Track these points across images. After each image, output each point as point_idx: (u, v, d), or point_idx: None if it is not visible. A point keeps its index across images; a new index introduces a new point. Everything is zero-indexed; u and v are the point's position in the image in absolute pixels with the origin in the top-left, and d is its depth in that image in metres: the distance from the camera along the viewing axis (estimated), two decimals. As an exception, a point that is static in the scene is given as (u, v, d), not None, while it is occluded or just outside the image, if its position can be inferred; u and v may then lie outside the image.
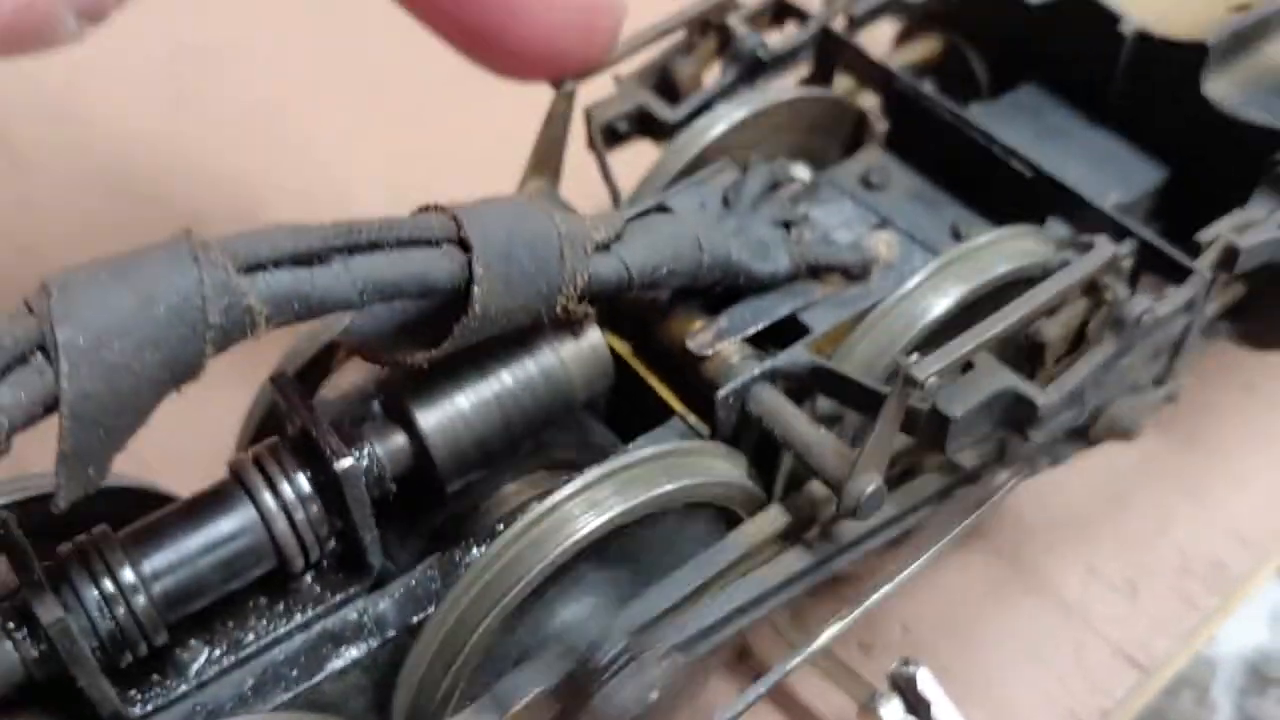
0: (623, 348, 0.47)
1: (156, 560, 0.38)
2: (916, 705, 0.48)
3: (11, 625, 0.36)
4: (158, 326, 0.31)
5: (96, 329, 0.31)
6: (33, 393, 0.30)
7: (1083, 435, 0.50)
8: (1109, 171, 0.54)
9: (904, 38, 0.64)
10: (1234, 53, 0.53)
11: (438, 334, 0.38)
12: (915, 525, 0.48)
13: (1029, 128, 0.56)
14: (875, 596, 0.46)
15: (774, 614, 0.49)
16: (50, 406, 0.31)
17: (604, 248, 0.40)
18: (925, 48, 0.61)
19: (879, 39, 0.65)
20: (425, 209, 0.38)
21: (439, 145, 0.72)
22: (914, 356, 0.39)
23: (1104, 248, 0.43)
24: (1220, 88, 0.52)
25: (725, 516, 0.45)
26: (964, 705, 0.49)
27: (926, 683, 0.48)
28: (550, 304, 0.39)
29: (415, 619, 0.40)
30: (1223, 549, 0.57)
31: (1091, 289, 0.44)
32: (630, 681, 0.39)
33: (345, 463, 0.38)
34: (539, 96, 0.49)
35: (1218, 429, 0.60)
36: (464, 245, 0.36)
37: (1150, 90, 0.54)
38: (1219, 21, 0.53)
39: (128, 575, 0.37)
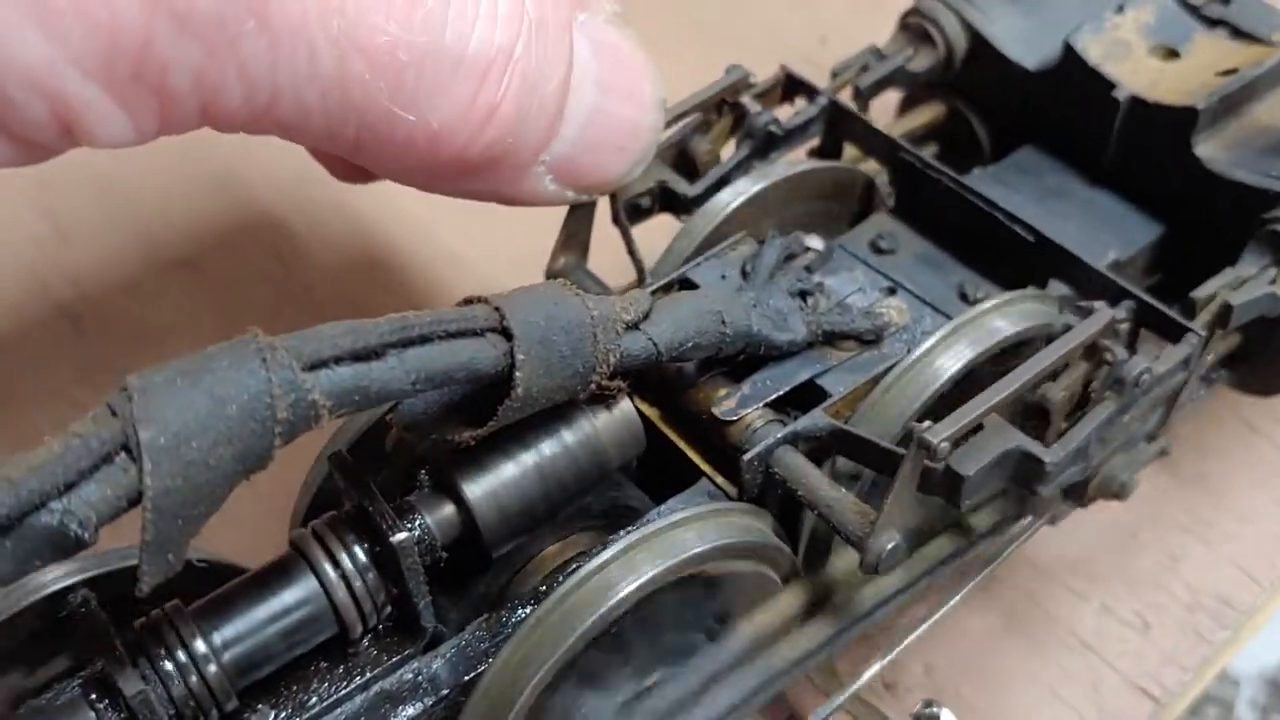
0: (652, 413, 0.50)
1: (226, 631, 0.40)
2: (940, 745, 0.50)
3: (94, 696, 0.39)
4: (231, 424, 0.34)
5: (175, 429, 0.34)
6: (118, 489, 0.33)
7: (1078, 496, 0.53)
8: (1107, 230, 0.57)
9: (908, 105, 0.67)
10: (1223, 115, 0.55)
11: (482, 414, 0.41)
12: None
13: (1029, 189, 0.59)
14: (902, 644, 0.48)
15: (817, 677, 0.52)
16: (134, 501, 0.34)
17: (633, 327, 0.43)
18: (929, 114, 0.64)
19: (885, 105, 0.68)
20: (468, 300, 0.41)
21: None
22: (926, 423, 0.42)
23: (1103, 313, 0.46)
24: (1211, 149, 0.55)
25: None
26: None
27: (949, 724, 0.51)
28: (586, 382, 0.42)
29: (467, 677, 0.43)
30: (1229, 584, 0.59)
31: (1092, 351, 0.46)
32: None
33: (400, 536, 0.41)
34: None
35: (1222, 469, 0.63)
36: (506, 334, 0.39)
37: (1144, 152, 0.57)
38: (1208, 86, 0.55)
39: (200, 646, 0.40)
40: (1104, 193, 0.59)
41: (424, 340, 0.38)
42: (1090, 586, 0.59)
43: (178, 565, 0.35)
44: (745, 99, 0.56)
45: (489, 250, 0.74)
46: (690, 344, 0.45)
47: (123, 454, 0.34)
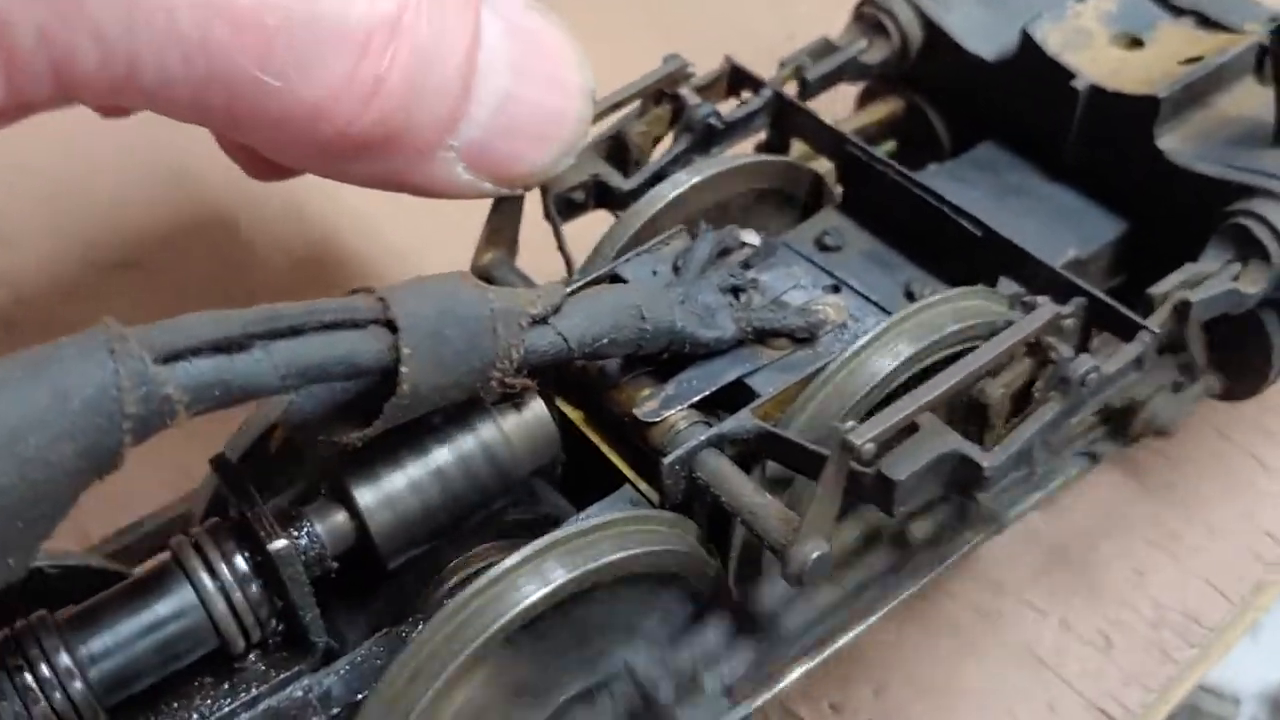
0: (575, 415, 0.47)
1: (94, 644, 0.38)
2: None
3: (-60, 710, 0.36)
4: (74, 419, 0.32)
5: (12, 424, 0.31)
6: (-53, 487, 0.31)
7: (1121, 434, 0.50)
8: (1067, 227, 0.54)
9: (865, 99, 0.64)
10: (1186, 105, 0.53)
11: (372, 414, 0.38)
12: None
13: (987, 185, 0.56)
14: (829, 650, 0.45)
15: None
16: (-35, 502, 0.31)
17: (540, 321, 0.40)
18: (885, 109, 0.62)
19: (845, 101, 0.66)
20: (354, 291, 0.38)
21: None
22: (850, 423, 0.39)
23: (1045, 308, 0.43)
24: (1174, 140, 0.52)
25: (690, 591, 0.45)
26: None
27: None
28: (485, 379, 0.39)
29: (360, 696, 0.40)
30: (1197, 600, 0.56)
31: (1035, 349, 0.44)
32: None
33: (279, 544, 0.38)
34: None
35: (1193, 479, 0.60)
36: (391, 326, 0.37)
37: (1105, 144, 0.54)
38: (1170, 75, 0.53)
39: (64, 660, 0.37)
40: (1065, 188, 0.56)
41: (295, 332, 0.35)
42: (1050, 602, 0.56)
43: (20, 570, 0.33)
44: (684, 90, 0.53)
45: (443, 249, 0.72)
46: (605, 340, 0.42)
47: (-48, 450, 0.31)
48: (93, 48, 0.34)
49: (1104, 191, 0.55)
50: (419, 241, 0.72)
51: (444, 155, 0.42)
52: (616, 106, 0.53)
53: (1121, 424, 0.52)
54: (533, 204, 0.53)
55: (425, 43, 0.38)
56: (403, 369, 0.37)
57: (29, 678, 0.37)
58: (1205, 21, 0.56)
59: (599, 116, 0.52)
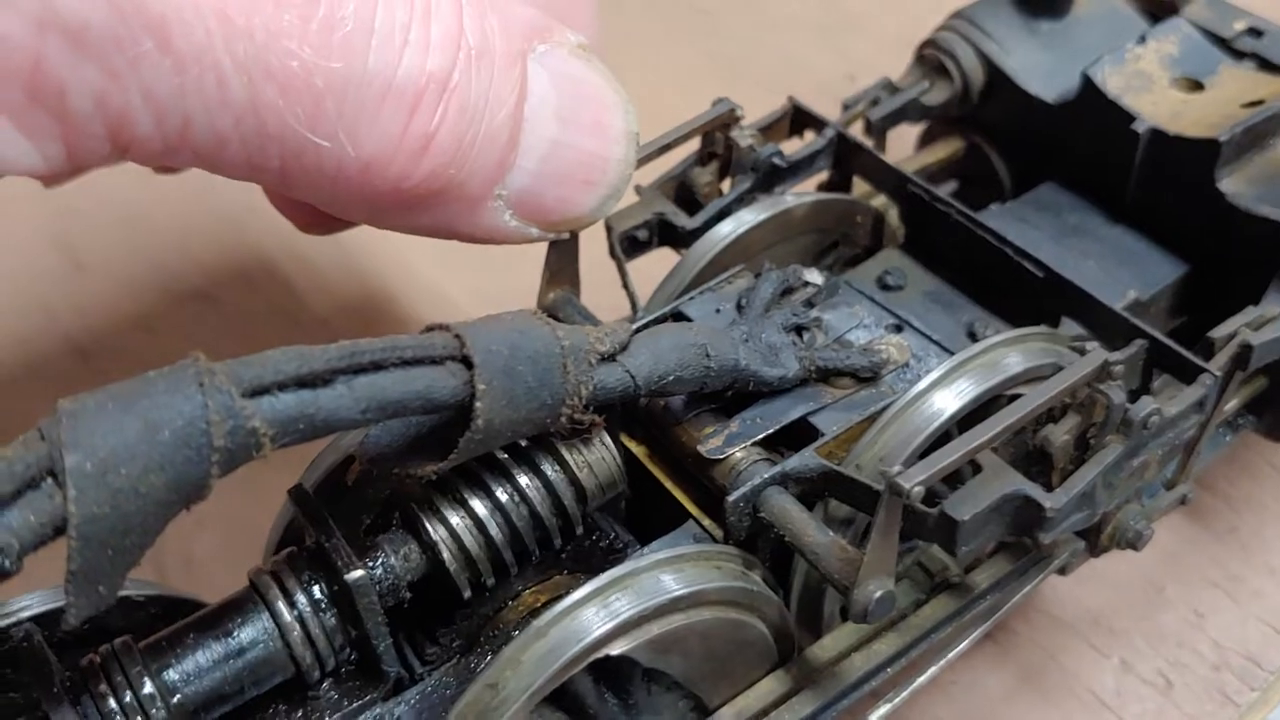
0: (640, 451, 0.48)
1: (175, 671, 0.39)
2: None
3: (31, 737, 0.37)
4: (164, 451, 0.33)
5: (103, 454, 0.32)
6: (42, 515, 0.32)
7: (1091, 545, 0.50)
8: (1127, 268, 0.55)
9: (926, 140, 0.64)
10: (1248, 149, 0.53)
11: (447, 447, 0.39)
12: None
13: (1048, 226, 0.56)
14: (898, 700, 0.46)
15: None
16: (60, 529, 0.32)
17: (609, 359, 0.41)
18: (946, 149, 0.62)
19: (906, 143, 0.66)
20: (430, 328, 0.39)
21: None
22: (897, 467, 0.39)
23: (1096, 354, 0.43)
24: (1235, 183, 0.53)
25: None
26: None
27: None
28: (555, 415, 0.40)
29: (431, 725, 0.41)
30: (1259, 643, 0.56)
31: (1084, 395, 0.44)
32: None
33: (355, 574, 0.39)
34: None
35: (1255, 522, 0.60)
36: (467, 362, 0.38)
37: (1166, 187, 0.54)
38: (1232, 118, 0.53)
39: (146, 687, 0.38)
40: (1126, 230, 0.56)
41: (376, 367, 0.36)
42: (1111, 642, 0.56)
43: (110, 598, 0.34)
44: (735, 133, 0.54)
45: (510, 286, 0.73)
46: (671, 377, 0.43)
47: (49, 479, 0.32)
48: (146, 111, 0.35)
49: (1165, 234, 0.55)
50: (490, 274, 0.72)
51: (493, 205, 0.42)
52: (667, 148, 0.53)
53: (1089, 535, 0.51)
54: (598, 243, 0.54)
55: (474, 98, 0.39)
56: (477, 404, 0.37)
57: (113, 703, 0.38)
58: (1266, 65, 0.56)
59: (651, 158, 0.52)
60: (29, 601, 0.42)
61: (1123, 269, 0.55)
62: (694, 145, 0.55)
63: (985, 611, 0.48)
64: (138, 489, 0.33)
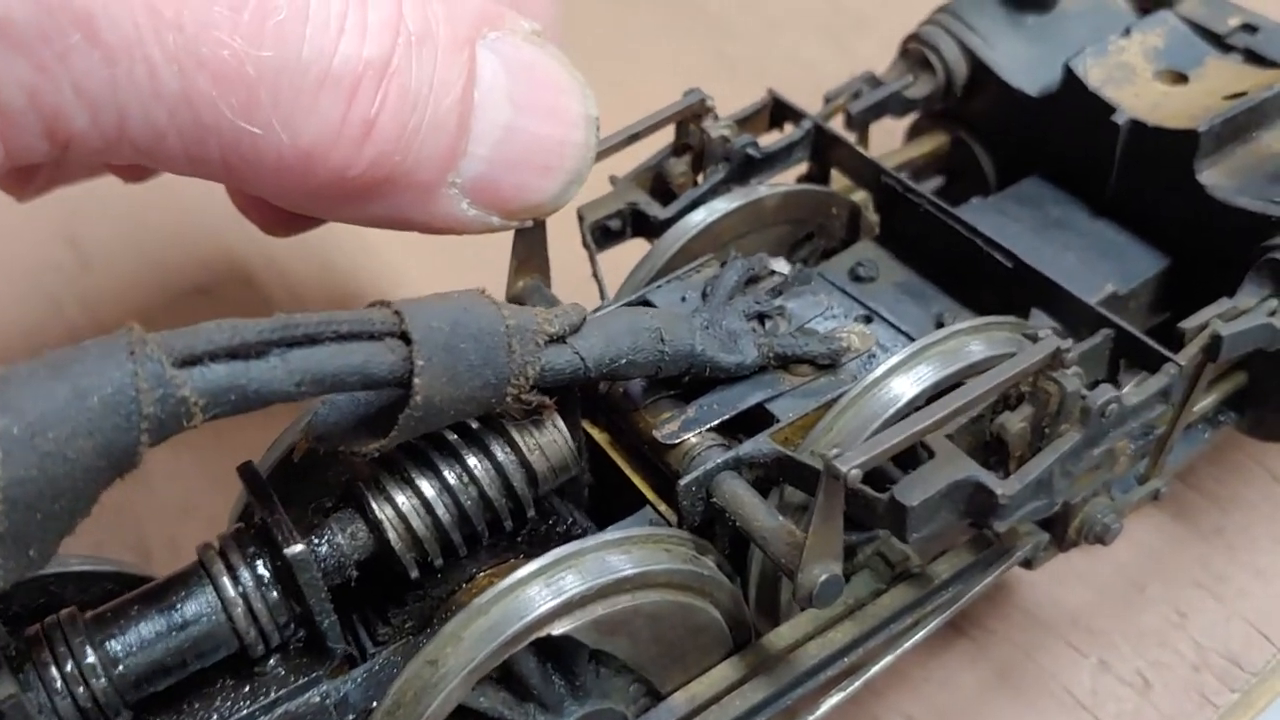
0: (602, 438, 0.48)
1: (118, 642, 0.39)
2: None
3: (-24, 704, 0.38)
4: (92, 417, 0.33)
5: (31, 419, 0.32)
6: (-30, 479, 0.32)
7: (1057, 538, 0.50)
8: (1107, 262, 0.54)
9: (913, 135, 0.64)
10: (1228, 140, 0.52)
11: (390, 425, 0.39)
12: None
13: (1029, 220, 0.56)
14: (849, 689, 0.45)
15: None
16: (-12, 493, 0.32)
17: (558, 340, 0.41)
18: (932, 143, 0.62)
19: (894, 138, 0.66)
20: (372, 304, 0.39)
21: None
22: (834, 450, 0.39)
23: (1048, 342, 0.42)
24: (1215, 175, 0.52)
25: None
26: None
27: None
28: (501, 394, 0.40)
29: (376, 704, 0.41)
30: (1240, 644, 0.55)
31: (1036, 382, 0.43)
32: None
33: (295, 549, 0.39)
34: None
35: (1242, 522, 0.59)
36: (405, 338, 0.38)
37: (1146, 179, 0.54)
38: (1213, 110, 0.52)
39: (89, 657, 0.38)
40: (1107, 224, 0.56)
41: (311, 341, 0.36)
42: (1090, 641, 0.55)
43: (41, 562, 0.34)
44: (707, 123, 0.54)
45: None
46: (624, 360, 0.43)
47: (-24, 445, 0.32)
48: (80, 105, 0.35)
49: (1146, 227, 0.55)
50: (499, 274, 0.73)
51: (447, 192, 0.42)
52: (636, 137, 0.53)
53: (1055, 527, 0.50)
54: (571, 232, 0.54)
55: (415, 84, 0.39)
56: (416, 380, 0.37)
57: (55, 672, 0.38)
58: (1253, 58, 0.56)
59: (619, 147, 0.53)
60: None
61: (1103, 262, 0.54)
62: (668, 137, 0.55)
63: (946, 602, 0.48)
64: (66, 454, 0.33)
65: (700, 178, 0.55)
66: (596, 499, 0.48)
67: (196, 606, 0.40)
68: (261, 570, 0.40)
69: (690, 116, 0.54)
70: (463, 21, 0.40)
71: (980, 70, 0.59)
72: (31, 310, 0.76)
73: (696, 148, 0.55)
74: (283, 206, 0.43)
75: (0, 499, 0.32)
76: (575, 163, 0.44)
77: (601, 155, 0.50)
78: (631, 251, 0.55)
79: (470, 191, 0.42)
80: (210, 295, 0.76)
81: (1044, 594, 0.57)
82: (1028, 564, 0.50)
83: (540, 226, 0.49)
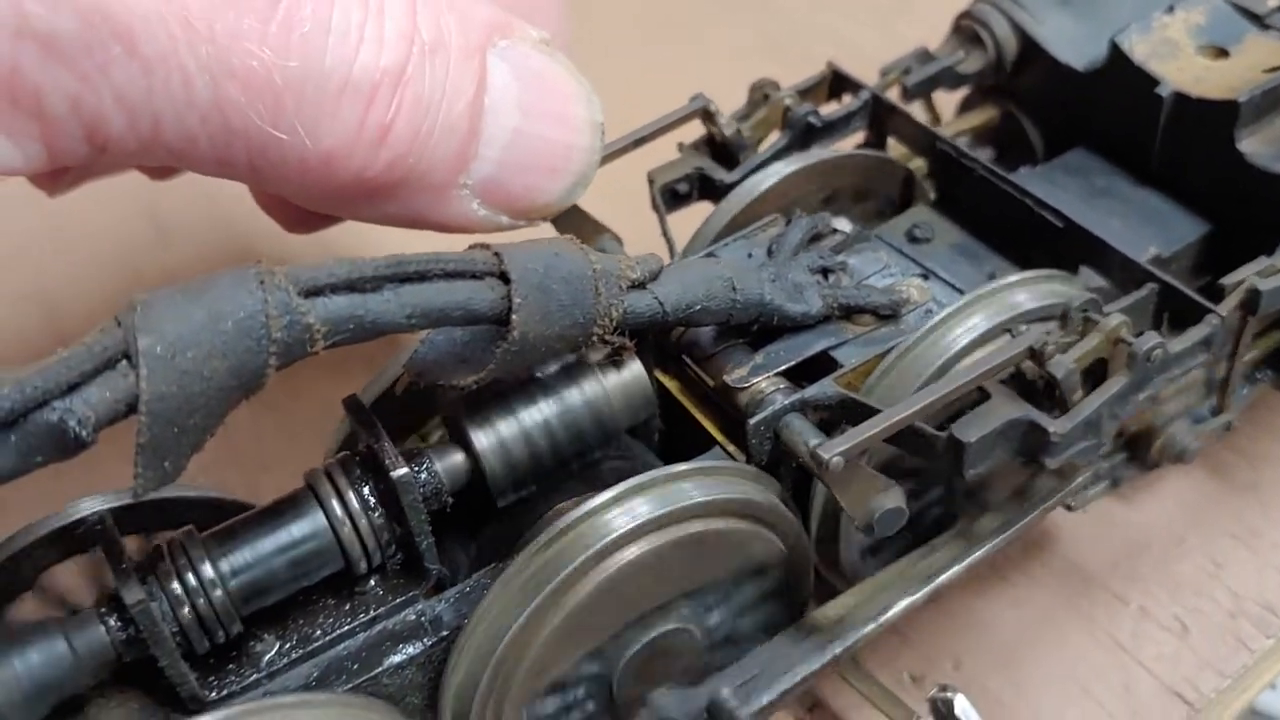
0: (672, 385, 0.51)
1: (234, 559, 0.42)
2: (951, 728, 0.50)
3: (104, 611, 0.41)
4: (226, 339, 0.36)
5: (172, 339, 0.36)
6: (117, 393, 0.35)
7: (1141, 459, 0.53)
8: (1151, 227, 0.57)
9: (964, 109, 0.67)
10: (1267, 111, 0.55)
11: (486, 360, 0.42)
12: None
13: (1076, 188, 0.59)
14: (886, 616, 0.48)
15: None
16: (132, 406, 0.36)
17: (639, 285, 0.44)
18: (982, 116, 0.65)
19: (946, 113, 0.69)
20: (473, 247, 0.42)
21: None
22: (816, 440, 0.43)
23: (1029, 335, 0.45)
24: (1255, 144, 0.55)
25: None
26: (1012, 738, 0.51)
27: (964, 708, 0.50)
28: (587, 334, 0.43)
29: (466, 622, 0.44)
30: (1276, 592, 0.57)
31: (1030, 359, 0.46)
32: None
33: (400, 471, 0.42)
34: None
35: (1275, 478, 0.61)
36: (504, 278, 0.41)
37: (1189, 149, 0.56)
38: (1253, 83, 0.55)
39: (207, 571, 0.42)
40: (1151, 192, 0.58)
41: (421, 277, 0.40)
42: (1130, 589, 0.58)
43: (174, 474, 0.37)
44: (723, 121, 0.58)
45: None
46: (698, 307, 0.46)
47: (123, 361, 0.36)
48: (118, 111, 0.38)
49: (1188, 194, 0.57)
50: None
51: (459, 193, 0.44)
52: (641, 141, 0.57)
53: (1140, 449, 0.54)
54: (640, 197, 0.57)
55: (429, 91, 0.42)
56: (514, 316, 0.41)
57: (176, 584, 0.41)
58: (1290, 30, 0.58)
59: (632, 147, 0.57)
60: (98, 500, 0.46)
61: (1147, 228, 0.57)
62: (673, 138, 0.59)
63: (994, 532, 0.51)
64: (202, 373, 0.36)
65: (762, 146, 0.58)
66: (666, 445, 0.51)
67: (305, 527, 0.43)
68: (366, 494, 0.44)
69: (701, 117, 0.58)
70: (475, 30, 0.43)
71: (1029, 46, 0.62)
72: (116, 284, 0.80)
73: (719, 141, 0.58)
74: (304, 206, 0.45)
75: (143, 412, 0.36)
76: (581, 166, 0.46)
77: (610, 157, 0.55)
78: (699, 214, 0.58)
79: (481, 192, 0.45)
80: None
81: (1086, 546, 0.60)
82: (1069, 507, 0.53)
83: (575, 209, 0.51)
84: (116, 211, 0.84)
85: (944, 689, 0.51)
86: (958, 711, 0.50)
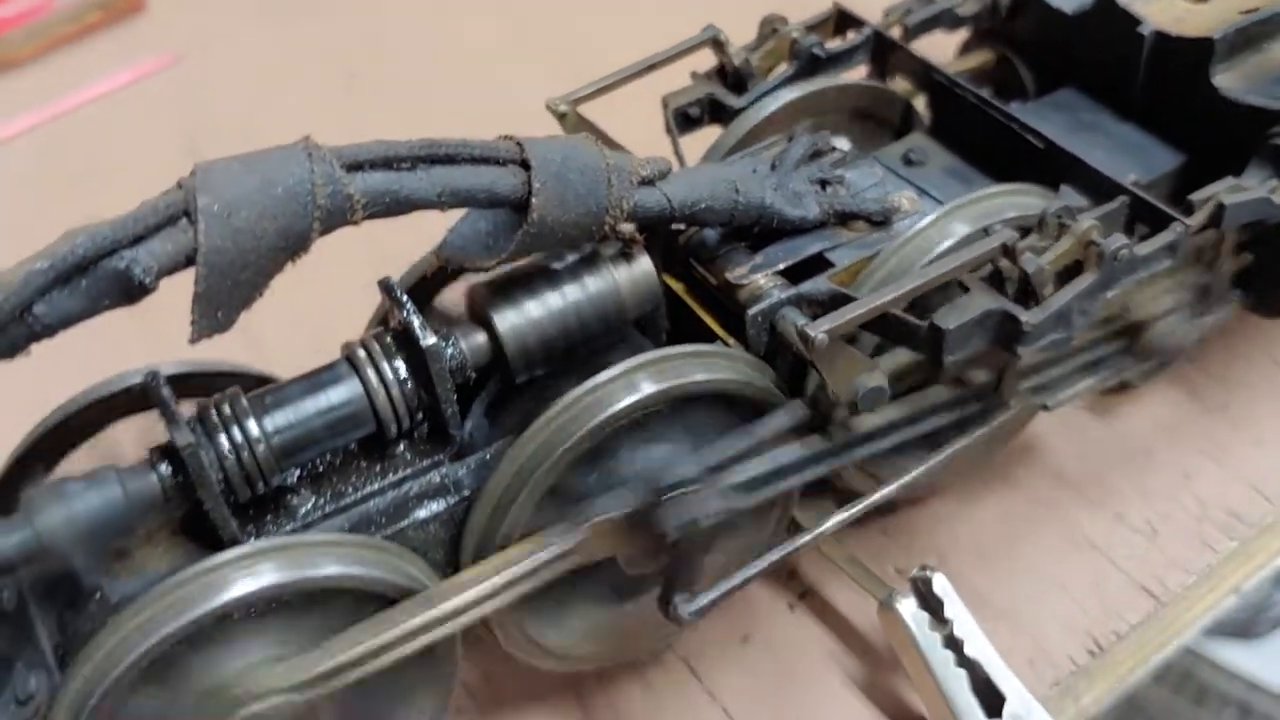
0: (679, 287, 0.55)
1: (277, 418, 0.47)
2: (930, 603, 0.54)
3: (156, 459, 0.45)
4: (276, 203, 0.41)
5: (228, 199, 0.40)
6: (178, 246, 0.40)
7: (1129, 351, 0.58)
8: (1131, 157, 0.60)
9: (962, 53, 0.71)
10: (1241, 49, 0.59)
11: (507, 245, 0.47)
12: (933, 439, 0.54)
13: (1063, 122, 0.63)
14: (876, 496, 0.52)
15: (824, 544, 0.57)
16: (190, 259, 0.40)
17: (649, 182, 0.49)
18: (979, 59, 0.69)
19: (947, 55, 0.73)
20: (500, 138, 0.47)
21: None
22: (804, 320, 0.48)
23: (1002, 234, 0.49)
24: (1228, 79, 0.58)
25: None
26: (992, 624, 0.56)
27: (942, 586, 0.55)
28: (600, 223, 0.47)
29: (485, 484, 0.48)
30: (1241, 501, 0.61)
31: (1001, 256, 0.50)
32: (692, 503, 0.48)
33: (430, 341, 0.47)
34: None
35: (1245, 400, 0.66)
36: (525, 165, 0.45)
37: (1168, 85, 0.60)
38: (1227, 23, 0.59)
39: (252, 427, 0.46)
40: (1132, 127, 0.62)
41: (450, 160, 0.44)
42: (1105, 496, 0.62)
43: (226, 325, 0.42)
44: (790, 26, 0.62)
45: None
46: (703, 205, 0.50)
47: (184, 219, 0.40)
48: None
49: (1167, 128, 0.61)
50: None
51: None
52: (656, 66, 0.62)
53: (1132, 339, 0.58)
54: (654, 118, 0.61)
55: None
56: (533, 200, 0.45)
57: (224, 437, 0.46)
58: (1270, -16, 0.62)
59: (647, 71, 0.61)
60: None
61: (1127, 157, 0.60)
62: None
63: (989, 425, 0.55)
64: (254, 231, 0.41)
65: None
66: (672, 343, 0.55)
67: (343, 393, 0.47)
68: (399, 363, 0.48)
69: (712, 46, 0.62)
70: None
71: (1024, -9, 0.66)
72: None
73: (729, 70, 0.62)
74: None
75: (200, 264, 0.40)
76: None
77: (625, 79, 0.60)
78: (708, 139, 0.62)
79: None
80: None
81: (1065, 456, 0.64)
82: (1044, 407, 0.57)
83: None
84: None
85: (924, 568, 0.55)
86: (936, 589, 0.55)
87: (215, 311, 0.41)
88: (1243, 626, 1.07)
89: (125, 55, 1.02)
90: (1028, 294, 0.50)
